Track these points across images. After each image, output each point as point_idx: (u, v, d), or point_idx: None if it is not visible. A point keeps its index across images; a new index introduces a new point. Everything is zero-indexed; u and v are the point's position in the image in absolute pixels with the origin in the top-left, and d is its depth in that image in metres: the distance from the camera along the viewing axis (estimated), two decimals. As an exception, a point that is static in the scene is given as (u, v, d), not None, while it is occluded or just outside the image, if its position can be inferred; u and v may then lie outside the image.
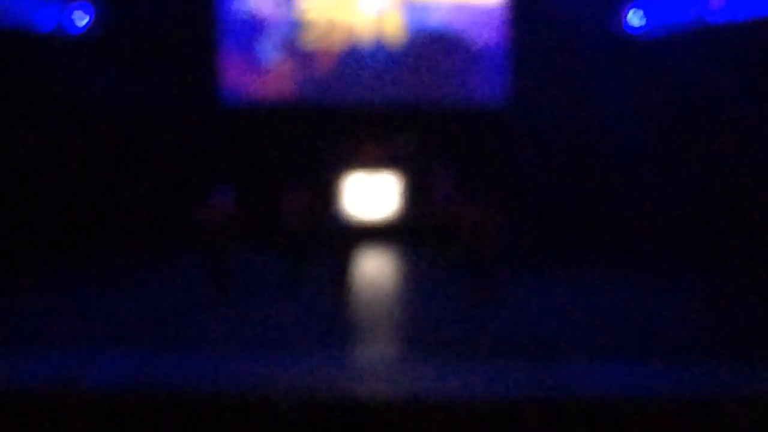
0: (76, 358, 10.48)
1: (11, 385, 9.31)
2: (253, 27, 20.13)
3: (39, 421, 7.80)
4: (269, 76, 20.21)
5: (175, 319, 12.64)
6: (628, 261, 17.09)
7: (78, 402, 8.57)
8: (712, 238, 16.94)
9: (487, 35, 19.95)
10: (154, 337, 11.60)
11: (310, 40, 20.11)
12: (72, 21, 18.32)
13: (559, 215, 18.99)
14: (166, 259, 17.64)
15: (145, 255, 17.97)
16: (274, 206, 15.25)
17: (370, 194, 19.93)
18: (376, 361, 10.80)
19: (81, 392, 9.33)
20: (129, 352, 10.82)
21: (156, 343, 11.31)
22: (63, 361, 10.39)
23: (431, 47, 20.01)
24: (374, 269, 17.14)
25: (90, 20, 18.55)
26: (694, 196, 17.82)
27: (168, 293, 14.26)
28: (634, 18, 18.58)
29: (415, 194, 19.66)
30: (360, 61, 20.09)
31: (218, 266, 13.43)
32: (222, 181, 14.28)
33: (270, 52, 20.20)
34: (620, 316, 12.87)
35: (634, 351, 10.91)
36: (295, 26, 20.13)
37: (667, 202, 18.10)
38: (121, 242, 18.49)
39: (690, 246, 17.05)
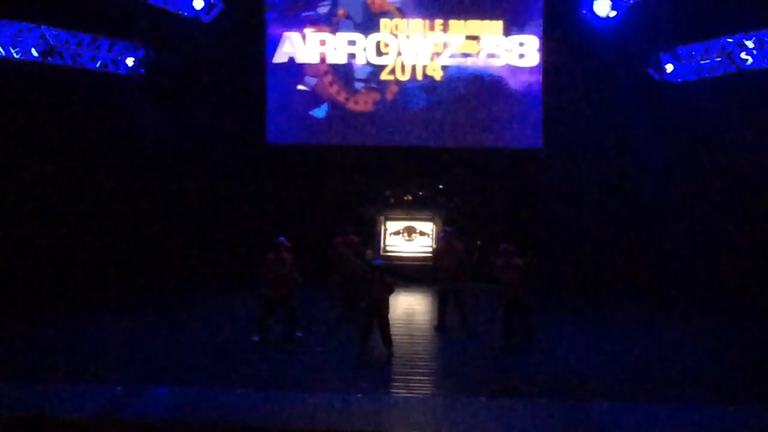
0: (123, 390, 10.98)
1: (59, 411, 9.77)
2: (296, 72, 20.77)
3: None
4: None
5: (220, 357, 12.98)
6: (657, 306, 17.28)
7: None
8: (741, 283, 17.22)
9: (523, 79, 20.39)
10: (198, 374, 12.02)
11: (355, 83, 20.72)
12: (119, 60, 18.95)
13: (591, 260, 19.28)
14: (215, 296, 17.94)
15: (194, 292, 18.28)
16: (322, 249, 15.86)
17: (408, 235, 20.20)
18: (411, 399, 11.19)
19: (122, 421, 9.83)
20: (171, 386, 11.39)
21: (199, 379, 11.75)
22: (109, 393, 10.90)
23: (469, 91, 20.50)
24: (409, 308, 17.34)
25: (136, 60, 19.18)
26: (721, 240, 18.17)
27: (215, 332, 14.60)
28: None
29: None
30: (399, 105, 20.66)
31: (273, 315, 13.89)
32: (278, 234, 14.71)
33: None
34: (646, 360, 13.10)
35: (656, 392, 11.27)
36: (337, 70, 20.74)
37: (694, 245, 18.35)
38: (170, 279, 18.90)
39: (718, 291, 17.36)
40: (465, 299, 15.15)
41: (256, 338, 13.77)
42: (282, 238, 13.92)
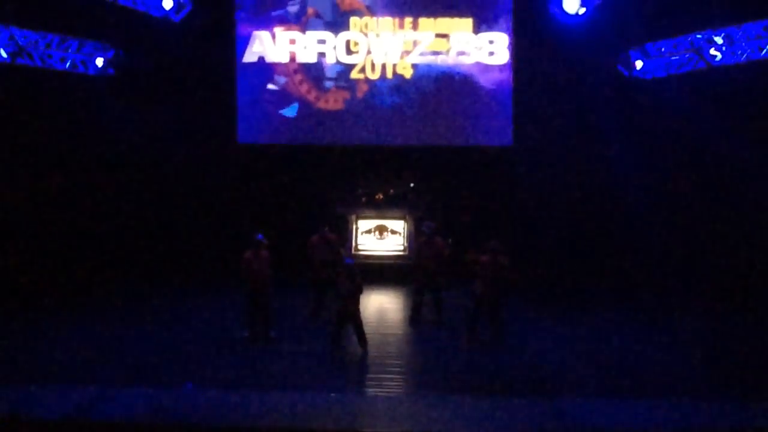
0: (96, 391, 10.83)
1: (32, 413, 9.70)
2: (266, 71, 20.77)
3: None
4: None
5: (193, 357, 12.84)
6: (629, 302, 17.27)
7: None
8: (713, 280, 17.30)
9: (493, 77, 20.45)
10: (172, 375, 11.88)
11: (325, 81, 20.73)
12: (89, 60, 18.96)
13: (562, 257, 19.27)
14: (184, 296, 17.74)
15: (164, 292, 18.06)
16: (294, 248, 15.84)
17: (379, 233, 20.18)
18: (385, 397, 11.16)
19: (95, 423, 9.77)
20: (142, 387, 11.22)
21: (171, 379, 11.64)
22: (81, 394, 10.74)
23: (439, 89, 20.56)
24: (381, 306, 17.27)
25: (105, 60, 19.15)
26: (692, 236, 18.28)
27: (188, 332, 14.43)
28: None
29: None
30: (369, 104, 20.68)
31: (257, 312, 13.82)
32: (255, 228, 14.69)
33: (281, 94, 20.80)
34: (618, 356, 13.07)
35: (628, 388, 11.30)
36: (307, 69, 20.73)
37: (665, 241, 18.49)
38: (140, 279, 18.79)
39: (691, 287, 17.38)
40: (442, 296, 15.21)
41: (245, 334, 13.80)
42: (260, 236, 13.89)
